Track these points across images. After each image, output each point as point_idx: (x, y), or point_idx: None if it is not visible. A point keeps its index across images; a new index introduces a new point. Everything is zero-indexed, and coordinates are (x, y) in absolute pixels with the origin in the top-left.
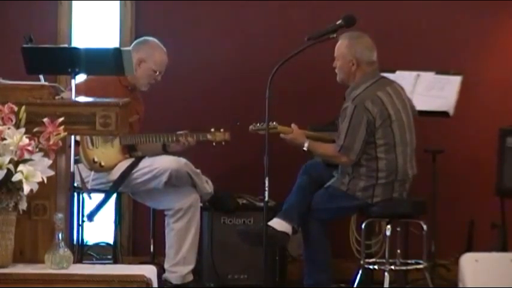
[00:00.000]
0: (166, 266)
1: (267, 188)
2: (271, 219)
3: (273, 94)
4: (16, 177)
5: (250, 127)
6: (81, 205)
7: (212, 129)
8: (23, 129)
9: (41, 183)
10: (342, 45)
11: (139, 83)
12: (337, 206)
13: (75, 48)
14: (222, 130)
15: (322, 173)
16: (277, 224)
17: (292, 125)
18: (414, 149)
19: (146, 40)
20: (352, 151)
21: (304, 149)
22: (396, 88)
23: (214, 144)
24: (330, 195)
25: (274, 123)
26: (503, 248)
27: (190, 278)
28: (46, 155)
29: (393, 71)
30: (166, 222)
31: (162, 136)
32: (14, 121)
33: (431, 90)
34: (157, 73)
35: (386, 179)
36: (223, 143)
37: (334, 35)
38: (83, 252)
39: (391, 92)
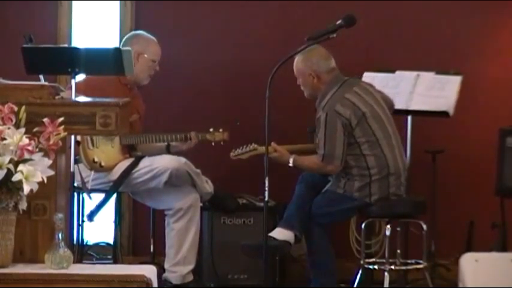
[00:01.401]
0: (166, 265)
1: (267, 188)
2: (271, 219)
3: (273, 94)
4: (16, 177)
5: (231, 154)
6: (81, 205)
7: (211, 129)
8: (23, 129)
9: (41, 183)
10: (298, 62)
11: (139, 77)
12: (336, 209)
13: (75, 48)
14: (221, 130)
15: (319, 180)
16: (279, 233)
17: (272, 144)
18: (399, 139)
19: (137, 34)
20: (334, 158)
21: (290, 165)
22: (363, 86)
23: (213, 144)
24: (328, 200)
25: (254, 145)
26: (503, 248)
27: (191, 278)
28: (46, 155)
29: (393, 71)
30: (166, 222)
31: (167, 136)
32: (14, 121)
33: (431, 90)
34: (156, 63)
35: (379, 174)
36: (222, 142)
37: (334, 35)
38: (83, 252)
39: (359, 91)
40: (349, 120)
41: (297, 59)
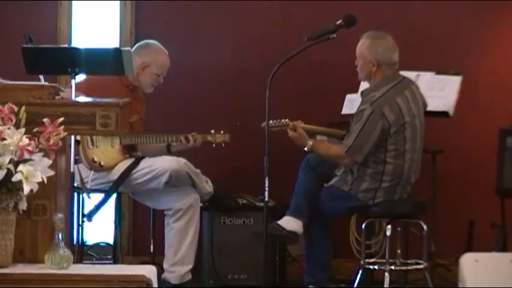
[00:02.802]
0: (165, 265)
1: (267, 188)
2: (271, 219)
3: (273, 94)
4: (16, 177)
5: (262, 124)
6: (81, 205)
7: (212, 131)
8: (23, 130)
9: (41, 183)
10: (363, 45)
11: (143, 85)
12: (338, 206)
13: (75, 48)
14: (222, 132)
15: (325, 167)
16: (287, 222)
17: (297, 122)
18: (421, 152)
19: (148, 44)
20: (359, 153)
21: (306, 149)
22: (413, 91)
23: (214, 145)
24: (331, 195)
25: (287, 120)
26: (503, 248)
27: (189, 277)
28: (46, 155)
29: None
30: (166, 222)
31: (167, 137)
32: (14, 121)
33: (431, 90)
34: (160, 76)
35: (390, 182)
36: (223, 144)
37: (334, 35)
38: (83, 252)
39: (409, 97)
40: (390, 125)
41: (363, 42)
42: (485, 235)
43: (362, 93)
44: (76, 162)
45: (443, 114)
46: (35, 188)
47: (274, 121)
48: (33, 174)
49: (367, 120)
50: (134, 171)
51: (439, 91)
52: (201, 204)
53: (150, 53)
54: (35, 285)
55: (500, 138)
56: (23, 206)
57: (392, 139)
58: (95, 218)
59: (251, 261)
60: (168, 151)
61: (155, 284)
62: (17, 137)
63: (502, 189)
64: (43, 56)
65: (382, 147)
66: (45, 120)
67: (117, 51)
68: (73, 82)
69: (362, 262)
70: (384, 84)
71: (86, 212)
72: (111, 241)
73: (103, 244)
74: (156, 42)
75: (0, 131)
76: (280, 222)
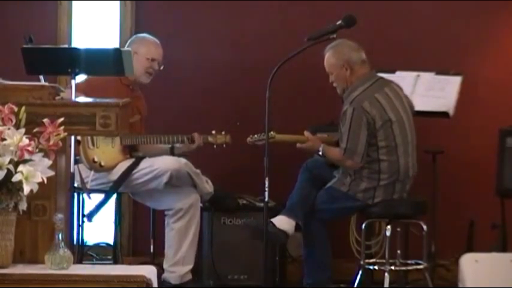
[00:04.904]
0: (165, 266)
1: (267, 189)
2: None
3: (273, 94)
4: (16, 178)
5: (248, 139)
6: (81, 205)
7: (213, 132)
8: (23, 130)
9: (41, 184)
10: (329, 58)
11: (137, 75)
12: (337, 207)
13: (75, 49)
14: (223, 133)
15: (323, 171)
16: (280, 221)
17: (306, 133)
18: (415, 146)
19: (136, 36)
20: (356, 153)
21: (320, 153)
22: (394, 88)
23: (215, 146)
24: (330, 196)
25: (272, 132)
26: (503, 248)
27: (189, 277)
28: (46, 155)
29: (393, 71)
30: (166, 222)
31: (168, 137)
32: (14, 121)
33: (431, 91)
34: (153, 60)
35: (388, 180)
36: (224, 145)
37: (334, 35)
38: (83, 252)
39: (389, 93)
40: (373, 119)
41: (327, 55)
42: (485, 235)
43: (342, 97)
44: (76, 162)
45: (443, 114)
46: (35, 188)
47: (259, 135)
48: (33, 174)
49: (352, 119)
50: (135, 171)
51: (439, 91)
52: (201, 205)
53: (137, 41)
54: (35, 286)
55: (500, 138)
56: (23, 206)
57: (381, 135)
58: (95, 218)
59: (251, 261)
60: (172, 153)
61: (155, 284)
62: (17, 137)
63: (502, 189)
64: (43, 56)
65: (373, 145)
66: (45, 120)
67: (117, 52)
68: (73, 82)
69: (362, 262)
70: (361, 84)
71: (86, 212)
72: (111, 241)
73: (103, 244)
74: (144, 34)
75: (0, 131)
76: (273, 219)
